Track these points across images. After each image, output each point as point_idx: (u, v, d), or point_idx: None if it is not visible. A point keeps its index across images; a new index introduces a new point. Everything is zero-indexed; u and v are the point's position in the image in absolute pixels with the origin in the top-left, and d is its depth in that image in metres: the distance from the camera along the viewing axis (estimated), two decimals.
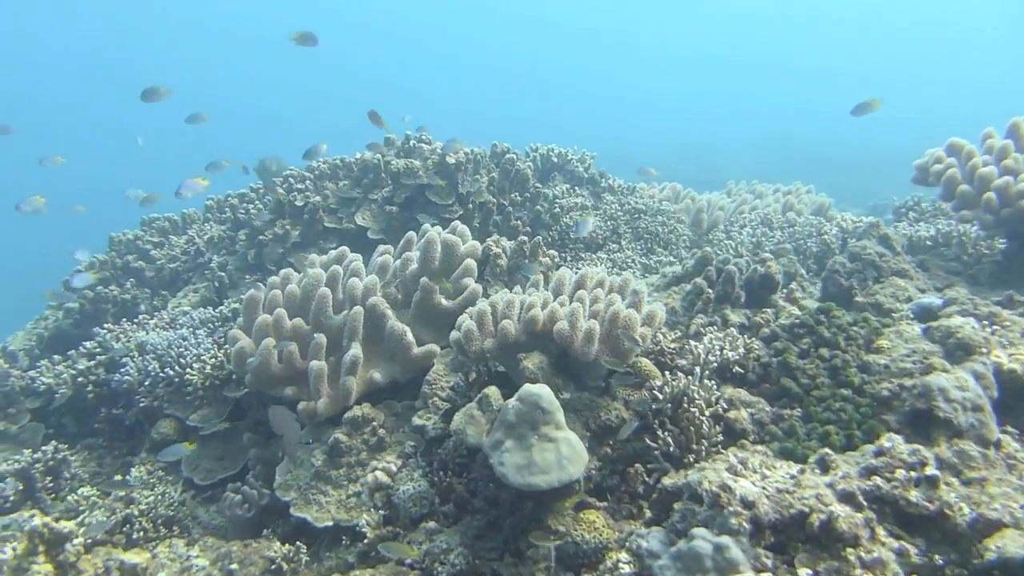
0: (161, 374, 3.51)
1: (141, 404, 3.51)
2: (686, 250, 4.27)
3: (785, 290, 2.80)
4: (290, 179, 4.71)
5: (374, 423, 2.94)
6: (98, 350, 3.80)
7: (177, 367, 3.49)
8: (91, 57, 36.80)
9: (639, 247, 4.25)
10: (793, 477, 2.03)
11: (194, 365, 3.46)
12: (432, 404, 2.95)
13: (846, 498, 1.91)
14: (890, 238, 3.26)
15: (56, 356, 3.94)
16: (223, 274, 4.52)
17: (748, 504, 1.93)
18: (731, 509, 1.92)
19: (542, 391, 2.25)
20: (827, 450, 2.11)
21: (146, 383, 3.52)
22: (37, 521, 2.26)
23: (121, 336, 3.86)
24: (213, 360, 3.42)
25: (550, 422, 2.24)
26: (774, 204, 5.25)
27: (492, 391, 2.38)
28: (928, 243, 3.74)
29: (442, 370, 3.03)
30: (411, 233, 3.51)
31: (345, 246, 3.59)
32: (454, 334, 2.69)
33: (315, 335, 3.03)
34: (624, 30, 41.80)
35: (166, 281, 5.11)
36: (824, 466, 2.07)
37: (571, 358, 2.54)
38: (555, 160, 5.19)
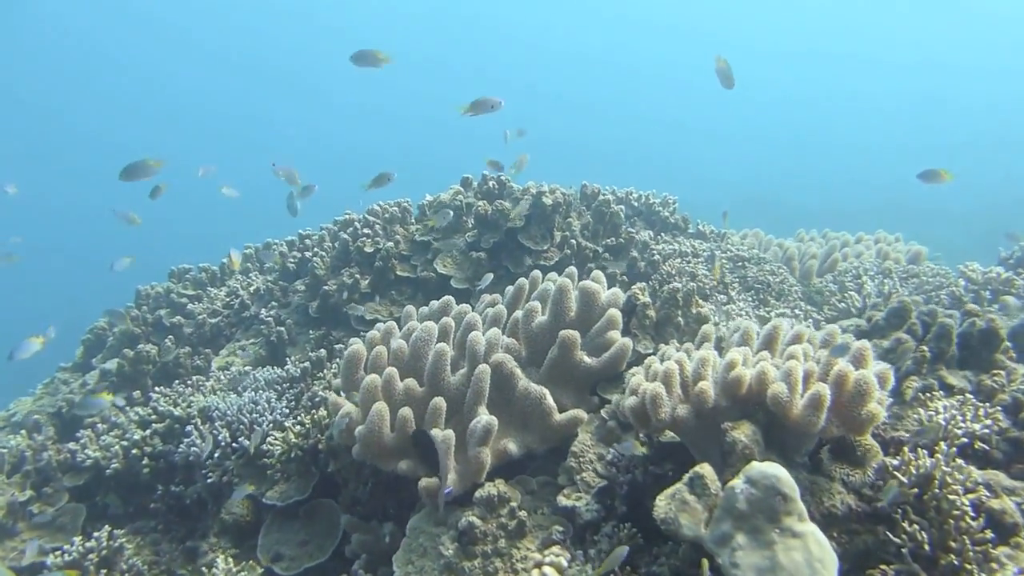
0: (233, 444, 3.00)
1: (209, 480, 2.99)
2: (804, 301, 3.87)
3: (1004, 347, 2.39)
4: (355, 224, 4.29)
5: (512, 503, 2.45)
6: (153, 417, 3.28)
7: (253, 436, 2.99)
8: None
9: (750, 298, 3.84)
10: None
11: (275, 433, 2.96)
12: (582, 481, 2.47)
13: None
14: None
15: (100, 425, 3.41)
16: (281, 328, 4.04)
17: None
18: None
19: (779, 472, 1.80)
20: None
21: (215, 455, 3.00)
22: None
23: (180, 401, 3.34)
24: (299, 427, 2.93)
25: (792, 512, 1.77)
26: (866, 252, 4.89)
27: (707, 470, 1.91)
28: None
29: (588, 440, 2.56)
30: (523, 280, 3.08)
31: (436, 297, 3.17)
32: (630, 400, 2.23)
33: (434, 398, 2.57)
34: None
35: (207, 338, 4.61)
36: None
37: (778, 429, 2.10)
38: (635, 204, 4.82)
